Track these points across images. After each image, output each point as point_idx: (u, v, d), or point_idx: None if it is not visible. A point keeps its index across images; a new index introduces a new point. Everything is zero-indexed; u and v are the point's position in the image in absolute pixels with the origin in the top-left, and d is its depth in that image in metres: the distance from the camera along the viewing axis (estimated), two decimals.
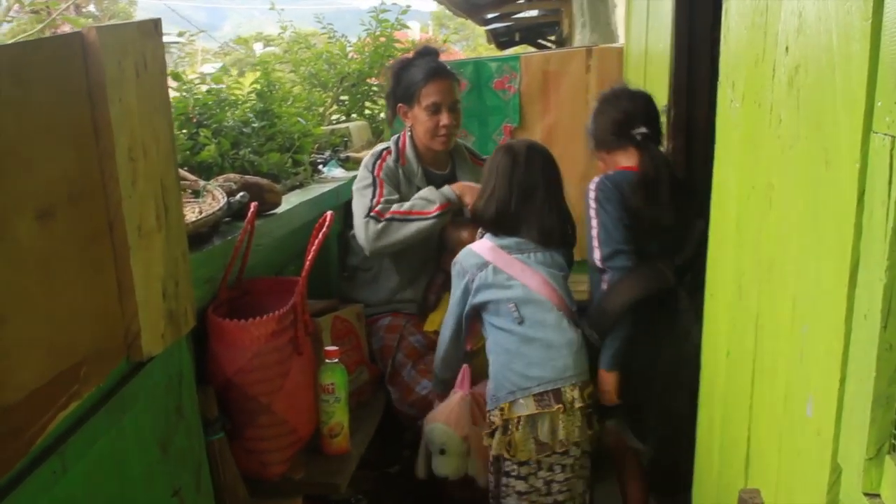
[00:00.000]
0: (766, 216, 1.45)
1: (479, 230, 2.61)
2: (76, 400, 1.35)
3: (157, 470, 1.63)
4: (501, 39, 9.70)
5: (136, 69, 1.53)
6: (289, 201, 2.69)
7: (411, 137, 2.98)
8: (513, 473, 2.38)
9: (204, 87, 3.24)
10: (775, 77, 1.41)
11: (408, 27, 5.03)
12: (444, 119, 2.86)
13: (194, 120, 3.00)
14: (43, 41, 1.38)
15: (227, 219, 2.22)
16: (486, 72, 4.64)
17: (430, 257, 2.97)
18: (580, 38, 6.61)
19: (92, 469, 1.39)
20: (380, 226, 2.74)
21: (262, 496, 2.05)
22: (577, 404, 2.33)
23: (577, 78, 4.48)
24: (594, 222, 2.45)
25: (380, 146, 3.02)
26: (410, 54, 3.06)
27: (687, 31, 2.71)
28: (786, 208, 1.34)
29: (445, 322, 2.59)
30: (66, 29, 3.31)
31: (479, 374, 2.67)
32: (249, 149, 3.00)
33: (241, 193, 2.18)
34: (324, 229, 2.14)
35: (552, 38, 10.05)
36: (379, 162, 2.91)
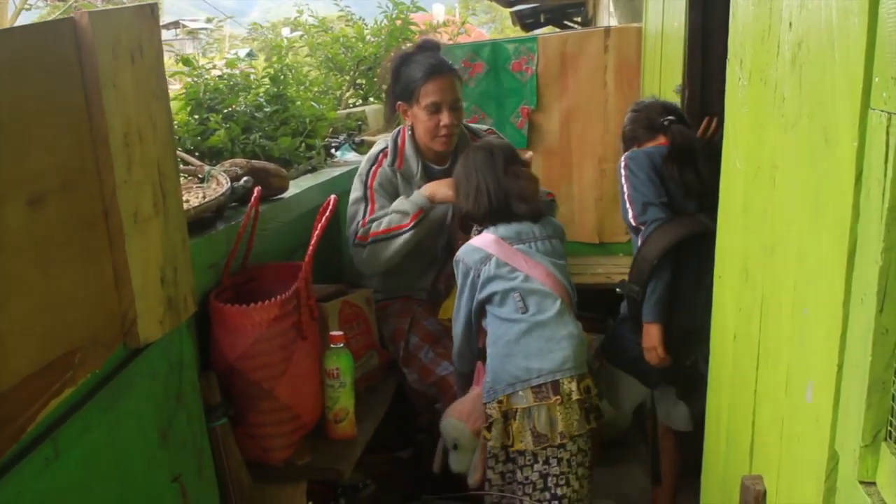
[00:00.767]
0: (770, 197, 1.42)
1: (475, 228, 2.61)
2: (71, 386, 1.34)
3: (157, 456, 1.63)
4: (527, 21, 9.63)
5: (132, 54, 1.52)
6: (298, 185, 2.68)
7: (412, 132, 2.90)
8: (510, 465, 2.38)
9: (216, 72, 3.23)
10: (779, 54, 1.37)
11: (423, 9, 4.99)
12: (445, 119, 2.77)
13: (205, 105, 2.99)
14: (34, 26, 1.37)
15: (233, 204, 2.21)
16: (504, 53, 4.60)
17: (437, 248, 2.94)
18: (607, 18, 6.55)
19: (87, 455, 1.39)
20: (366, 251, 2.74)
21: (265, 482, 2.05)
22: (575, 396, 2.31)
23: (595, 59, 4.43)
24: (626, 188, 2.59)
25: (378, 146, 2.94)
26: (411, 48, 2.95)
27: (702, 9, 2.66)
28: (788, 189, 1.31)
29: (456, 318, 2.58)
30: None
31: None
32: (260, 133, 2.99)
33: (245, 178, 2.17)
34: (327, 213, 2.12)
35: (578, 19, 9.95)
36: (374, 168, 2.84)
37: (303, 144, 3.20)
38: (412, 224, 2.71)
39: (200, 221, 1.97)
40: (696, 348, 2.52)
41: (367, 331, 2.64)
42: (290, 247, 2.66)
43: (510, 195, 2.53)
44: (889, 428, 0.95)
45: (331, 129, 3.67)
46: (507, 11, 9.83)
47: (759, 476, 1.44)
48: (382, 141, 2.95)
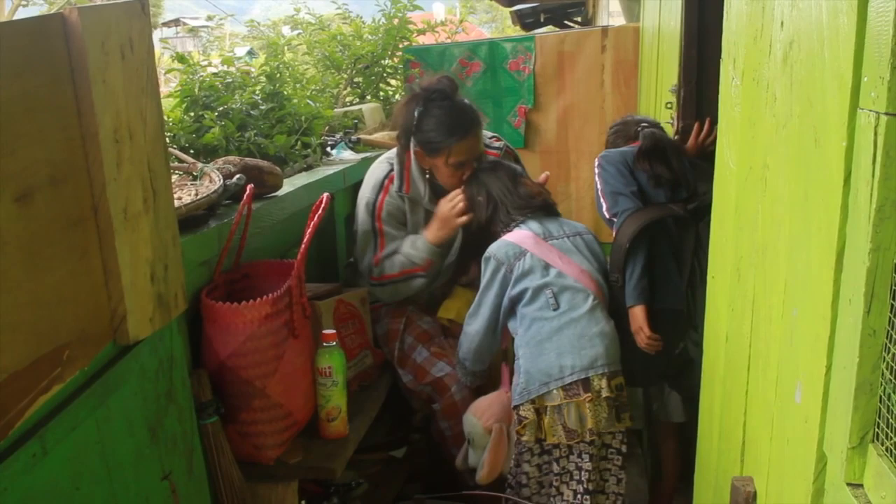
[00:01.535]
0: (762, 197, 1.42)
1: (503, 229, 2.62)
2: (59, 383, 1.34)
3: (147, 453, 1.62)
4: (527, 21, 9.62)
5: (122, 50, 1.51)
6: (292, 183, 2.68)
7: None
8: (546, 457, 2.40)
9: (211, 70, 3.22)
10: (771, 53, 1.37)
11: (420, 8, 4.99)
12: (468, 171, 2.72)
13: (200, 102, 2.99)
14: (22, 22, 1.36)
15: (226, 201, 2.21)
16: (501, 53, 4.60)
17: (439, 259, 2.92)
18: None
19: (75, 452, 1.38)
20: (384, 292, 2.79)
21: (257, 480, 2.04)
22: (605, 394, 2.31)
23: (592, 58, 4.43)
24: (598, 184, 2.66)
25: (382, 168, 2.85)
26: (428, 89, 2.74)
27: (698, 8, 2.65)
28: (779, 189, 1.30)
29: (476, 314, 2.56)
30: None
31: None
32: (255, 131, 2.98)
33: (238, 176, 2.16)
34: (319, 212, 2.12)
35: (578, 19, 9.94)
36: (380, 198, 2.78)
37: (298, 142, 3.19)
38: (424, 273, 2.74)
39: (192, 219, 1.96)
40: (685, 333, 2.54)
41: (362, 330, 2.63)
42: (285, 244, 2.65)
43: (524, 194, 2.61)
44: (876, 430, 0.95)
45: (327, 128, 3.67)
46: (507, 11, 9.82)
47: (750, 477, 1.44)
48: (385, 163, 2.87)
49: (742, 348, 1.55)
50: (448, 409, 2.69)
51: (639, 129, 2.78)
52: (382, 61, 4.82)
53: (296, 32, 5.41)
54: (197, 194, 2.01)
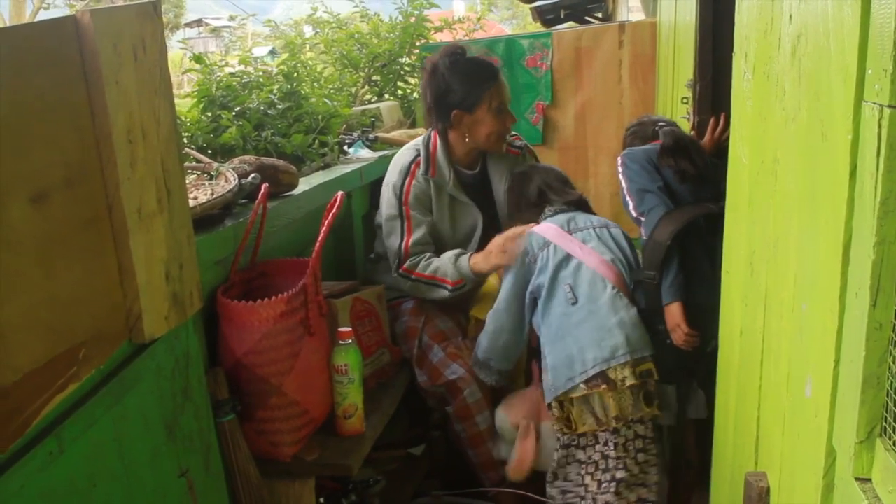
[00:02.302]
0: (773, 191, 1.41)
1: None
2: (75, 382, 1.36)
3: (163, 451, 1.64)
4: (547, 17, 9.59)
5: (134, 52, 1.53)
6: (309, 182, 2.69)
7: (444, 138, 2.88)
8: (573, 444, 2.41)
9: (228, 70, 3.25)
10: (781, 47, 1.36)
11: (436, 5, 4.99)
12: (510, 118, 2.84)
13: (217, 102, 3.01)
14: (35, 25, 1.38)
15: (242, 201, 2.23)
16: (518, 49, 4.60)
17: (457, 245, 2.93)
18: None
19: (91, 450, 1.40)
20: (409, 284, 2.81)
21: (274, 477, 2.06)
22: (629, 382, 2.31)
23: (609, 53, 4.42)
24: (623, 182, 2.62)
25: (408, 154, 2.91)
26: (445, 56, 2.84)
27: (712, 2, 2.64)
28: (789, 183, 1.30)
29: (500, 309, 2.58)
30: None
31: None
32: (272, 130, 3.00)
33: (253, 175, 2.18)
34: (333, 210, 2.13)
35: (599, 15, 9.90)
36: (407, 181, 2.84)
37: (316, 141, 3.21)
38: (451, 288, 2.76)
39: (208, 218, 1.98)
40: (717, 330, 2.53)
41: (379, 327, 2.64)
42: (302, 243, 2.67)
43: (553, 184, 2.70)
44: (884, 424, 0.94)
45: (344, 126, 3.68)
46: (528, 8, 9.79)
47: (763, 473, 1.44)
48: (412, 149, 2.93)
49: (755, 343, 1.54)
50: (461, 412, 2.69)
51: (656, 128, 2.75)
52: (400, 59, 4.83)
53: (314, 32, 5.44)
54: (212, 194, 2.03)
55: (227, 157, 2.74)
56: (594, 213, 2.71)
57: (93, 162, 1.43)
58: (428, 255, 2.81)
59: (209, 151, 2.89)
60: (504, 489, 2.55)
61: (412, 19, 4.81)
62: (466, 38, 5.38)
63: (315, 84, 3.89)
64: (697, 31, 2.66)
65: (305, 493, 2.08)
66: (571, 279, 2.43)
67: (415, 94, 4.82)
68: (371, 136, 3.69)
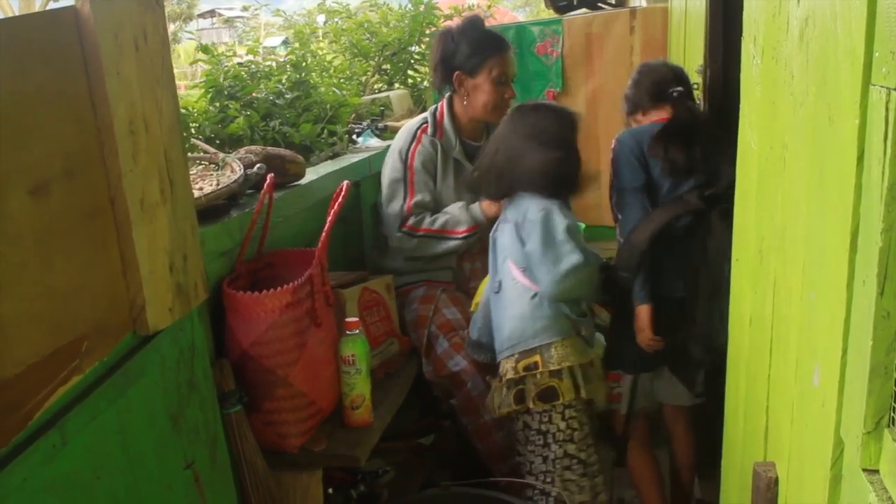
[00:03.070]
0: (781, 178, 1.39)
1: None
2: (78, 374, 1.35)
3: (169, 443, 1.64)
4: (560, 4, 9.51)
5: (136, 42, 1.52)
6: (316, 172, 2.68)
7: (450, 107, 2.94)
8: None
9: (237, 60, 3.24)
10: (789, 30, 1.34)
11: None
12: (509, 91, 2.88)
13: (225, 92, 3.00)
14: (35, 15, 1.38)
15: (249, 191, 2.22)
16: (529, 36, 4.56)
17: None
18: None
19: (95, 443, 1.40)
20: (413, 242, 2.81)
21: (281, 468, 2.06)
22: (509, 375, 2.38)
23: (621, 40, 4.37)
24: (611, 170, 2.62)
25: (416, 121, 2.97)
26: (463, 21, 2.98)
27: None
28: (797, 169, 1.28)
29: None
30: None
31: None
32: (280, 120, 2.99)
33: (259, 165, 2.17)
34: (339, 200, 2.12)
35: (612, 1, 9.82)
36: (413, 145, 2.87)
37: (324, 131, 3.20)
38: (463, 235, 2.78)
39: (214, 208, 1.97)
40: (685, 322, 2.52)
41: (387, 317, 2.63)
42: (310, 233, 2.65)
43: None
44: (892, 414, 0.92)
45: (354, 115, 3.67)
46: None
47: (772, 463, 1.42)
48: (419, 118, 2.99)
49: (765, 331, 1.52)
50: (466, 405, 2.69)
51: (673, 92, 2.63)
52: (410, 48, 4.81)
53: (324, 21, 5.43)
54: (218, 184, 2.02)
55: (235, 148, 2.73)
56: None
57: (94, 153, 1.43)
58: (430, 213, 2.84)
59: (217, 142, 2.88)
60: (515, 479, 2.54)
61: (421, 7, 4.78)
62: None
63: (324, 73, 3.88)
64: (708, 15, 2.62)
65: (313, 485, 2.08)
66: (500, 271, 2.49)
67: (425, 83, 4.80)
68: (380, 124, 3.67)
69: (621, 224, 2.51)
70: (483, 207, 2.79)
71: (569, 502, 2.35)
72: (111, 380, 1.45)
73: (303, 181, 2.50)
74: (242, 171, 2.08)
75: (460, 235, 2.78)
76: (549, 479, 2.39)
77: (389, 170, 2.88)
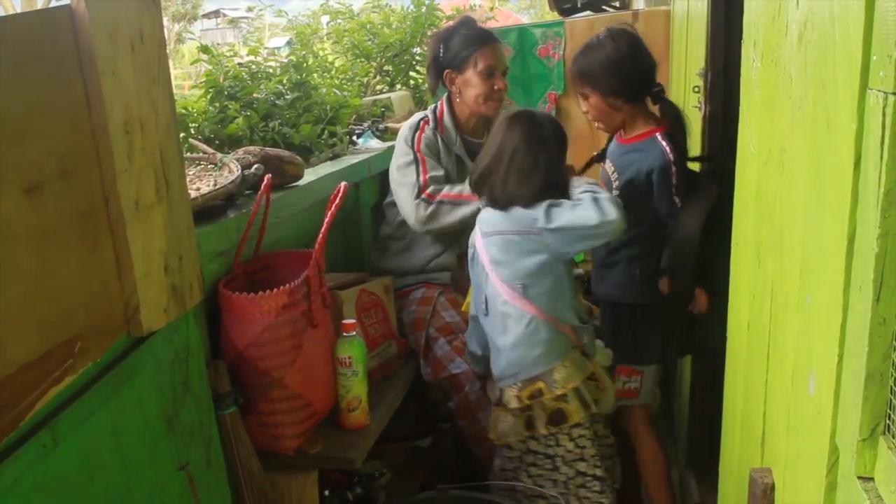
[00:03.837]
0: (779, 182, 1.38)
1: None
2: (71, 374, 1.35)
3: (163, 444, 1.63)
4: (564, 6, 9.49)
5: (132, 42, 1.51)
6: (315, 173, 2.67)
7: (449, 105, 2.95)
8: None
9: (237, 60, 3.23)
10: (787, 34, 1.33)
11: None
12: (499, 83, 2.87)
13: (225, 93, 2.99)
14: (30, 14, 1.37)
15: (247, 192, 2.21)
16: (530, 39, 4.55)
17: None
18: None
19: (87, 443, 1.39)
20: (431, 208, 2.77)
21: (276, 470, 2.05)
22: (513, 405, 2.31)
23: None
24: (673, 181, 2.49)
25: (417, 116, 2.99)
26: (453, 23, 3.05)
27: None
28: (795, 173, 1.27)
29: None
30: None
31: None
32: (280, 121, 2.98)
33: (256, 166, 2.16)
34: (336, 201, 2.11)
35: (616, 3, 9.81)
36: (417, 134, 2.89)
37: (325, 132, 3.19)
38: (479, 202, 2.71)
39: (210, 209, 1.96)
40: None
41: (385, 319, 2.63)
42: (308, 234, 2.63)
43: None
44: (887, 422, 0.91)
45: (355, 117, 3.66)
46: None
47: (768, 469, 1.41)
48: (420, 113, 3.01)
49: (762, 336, 1.51)
50: (463, 408, 2.69)
51: (657, 89, 2.62)
52: (411, 49, 4.80)
53: (327, 22, 5.42)
54: (215, 185, 2.02)
55: (234, 148, 2.73)
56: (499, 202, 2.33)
57: (89, 153, 1.42)
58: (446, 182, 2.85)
59: (216, 142, 2.88)
60: (511, 482, 2.53)
61: (423, 9, 4.77)
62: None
63: (325, 74, 3.87)
64: (709, 19, 2.62)
65: (308, 487, 2.07)
66: (484, 289, 2.36)
67: (426, 84, 4.79)
68: (381, 126, 3.67)
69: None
70: None
71: None
72: (105, 380, 1.44)
73: (301, 182, 2.50)
74: (240, 171, 2.07)
75: (478, 200, 2.68)
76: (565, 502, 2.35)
77: (398, 155, 2.90)
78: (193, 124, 2.96)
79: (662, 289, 2.50)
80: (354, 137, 3.43)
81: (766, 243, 1.51)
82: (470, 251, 2.46)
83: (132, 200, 1.50)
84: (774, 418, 1.41)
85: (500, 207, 2.30)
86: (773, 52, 1.45)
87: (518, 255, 2.27)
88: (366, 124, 3.63)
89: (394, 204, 2.94)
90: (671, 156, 2.45)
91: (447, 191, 2.77)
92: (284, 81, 3.28)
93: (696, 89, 2.93)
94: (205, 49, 3.13)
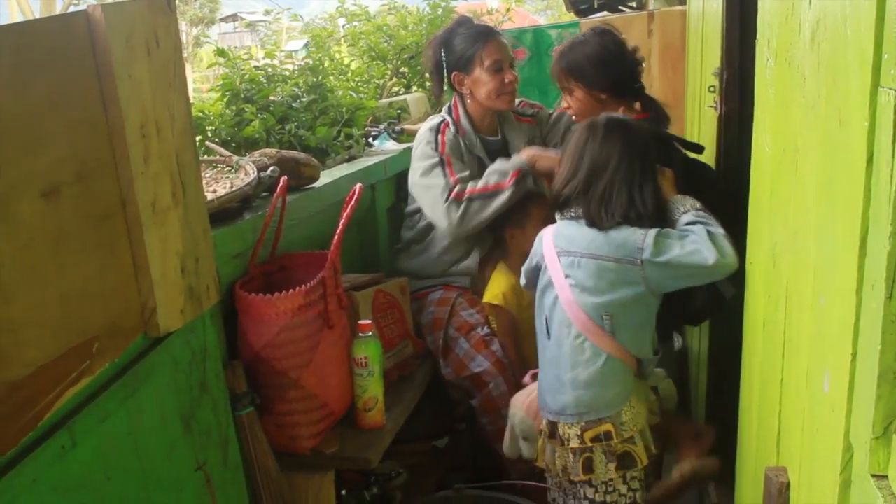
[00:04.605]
0: (793, 181, 1.38)
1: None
2: (88, 376, 1.36)
3: (180, 444, 1.65)
4: (581, 7, 9.48)
5: (147, 46, 1.53)
6: (331, 175, 2.69)
7: (463, 107, 2.93)
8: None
9: (253, 63, 3.25)
10: (801, 33, 1.33)
11: None
12: (509, 75, 2.85)
13: (242, 96, 3.01)
14: (47, 20, 1.39)
15: (264, 194, 2.22)
16: (546, 40, 4.56)
17: (485, 229, 2.90)
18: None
19: (105, 444, 1.41)
20: (461, 208, 2.70)
21: (293, 470, 2.06)
22: (573, 444, 2.08)
23: (638, 43, 4.28)
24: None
25: (434, 119, 2.96)
26: (450, 25, 3.01)
27: None
28: (808, 172, 1.27)
29: None
30: None
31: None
32: (297, 123, 3.00)
33: (272, 168, 2.18)
34: (352, 202, 2.12)
35: (633, 4, 9.79)
36: (440, 137, 2.85)
37: (341, 134, 3.20)
38: (511, 183, 2.69)
39: (227, 211, 1.98)
40: None
41: (402, 320, 2.63)
42: (324, 236, 2.64)
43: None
44: None
45: (371, 118, 3.67)
46: None
47: (784, 468, 1.41)
48: (436, 117, 2.98)
49: (777, 336, 1.51)
50: (487, 405, 2.68)
51: (638, 87, 2.60)
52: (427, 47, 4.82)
53: (344, 24, 5.44)
54: (232, 187, 2.03)
55: (251, 151, 2.75)
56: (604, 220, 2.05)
57: (106, 157, 1.44)
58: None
59: (233, 145, 2.90)
60: (530, 482, 2.53)
61: (439, 11, 4.79)
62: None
63: (342, 77, 3.89)
64: (724, 18, 2.61)
65: (325, 487, 2.08)
66: (549, 311, 2.15)
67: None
68: (397, 127, 3.67)
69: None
70: (524, 155, 2.73)
71: None
72: (122, 381, 1.46)
73: (317, 184, 2.51)
74: (256, 173, 2.09)
75: (509, 184, 2.67)
76: None
77: (421, 160, 2.81)
78: (210, 127, 2.98)
79: None
80: (370, 139, 3.45)
81: (780, 243, 1.50)
82: (531, 261, 2.26)
83: (149, 203, 1.51)
84: (790, 417, 1.41)
85: (598, 227, 2.05)
86: (787, 51, 1.45)
87: (610, 286, 2.03)
88: (382, 126, 3.65)
89: (416, 211, 2.94)
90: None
91: (472, 186, 2.73)
92: (300, 84, 3.30)
93: (712, 89, 2.93)
94: (221, 52, 3.15)
